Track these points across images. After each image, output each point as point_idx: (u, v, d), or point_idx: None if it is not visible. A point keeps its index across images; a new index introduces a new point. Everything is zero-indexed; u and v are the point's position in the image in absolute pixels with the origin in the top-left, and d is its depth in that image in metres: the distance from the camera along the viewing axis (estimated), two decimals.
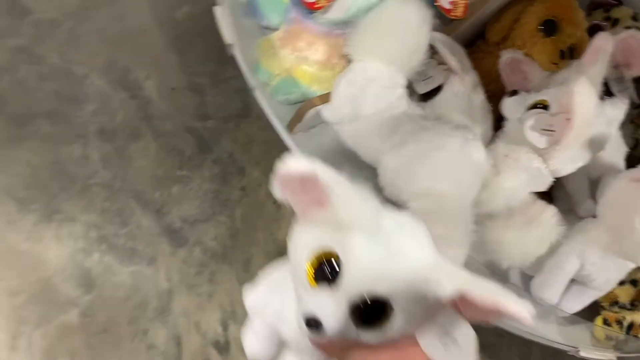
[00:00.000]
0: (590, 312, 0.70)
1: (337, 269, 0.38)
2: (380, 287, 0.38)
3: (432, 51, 0.67)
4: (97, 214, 0.73)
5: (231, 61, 0.82)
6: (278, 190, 0.38)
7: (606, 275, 0.65)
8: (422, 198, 0.60)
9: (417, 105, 0.68)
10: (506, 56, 0.71)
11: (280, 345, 0.55)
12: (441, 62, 0.69)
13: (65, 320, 0.64)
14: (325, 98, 0.67)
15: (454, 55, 0.67)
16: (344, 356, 0.42)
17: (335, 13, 0.62)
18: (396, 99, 0.64)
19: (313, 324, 0.38)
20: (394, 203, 0.61)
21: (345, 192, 0.38)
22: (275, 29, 0.74)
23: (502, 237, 0.66)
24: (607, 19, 0.82)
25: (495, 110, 0.70)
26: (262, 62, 0.73)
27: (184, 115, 0.85)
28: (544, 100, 0.63)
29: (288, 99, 0.72)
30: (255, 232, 0.76)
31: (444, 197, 0.60)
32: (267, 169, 0.82)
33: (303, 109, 0.69)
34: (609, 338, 0.71)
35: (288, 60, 0.69)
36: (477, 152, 0.61)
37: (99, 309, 0.66)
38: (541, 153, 0.62)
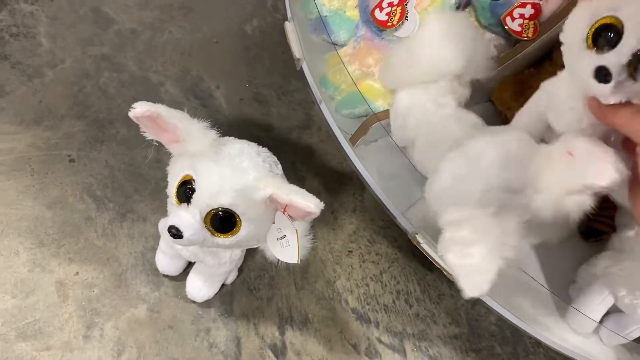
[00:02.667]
0: None
1: (194, 189, 0.51)
2: (224, 199, 0.50)
3: None
4: (167, 214, 0.77)
5: (295, 74, 0.86)
6: (148, 133, 0.52)
7: None
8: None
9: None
10: None
11: (185, 261, 0.70)
12: None
13: (135, 314, 0.68)
14: (388, 113, 0.69)
15: None
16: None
17: (405, 31, 0.64)
18: (441, 119, 0.63)
19: (174, 231, 0.50)
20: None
21: (188, 128, 0.50)
22: (342, 45, 0.77)
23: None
24: None
25: None
26: (329, 77, 0.75)
27: (249, 125, 0.89)
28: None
29: (352, 112, 0.74)
30: (313, 241, 0.78)
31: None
32: (326, 179, 0.86)
33: (367, 123, 0.71)
34: None
35: (355, 76, 0.71)
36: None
37: (166, 306, 0.69)
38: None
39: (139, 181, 0.78)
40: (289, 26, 0.81)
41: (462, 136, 0.58)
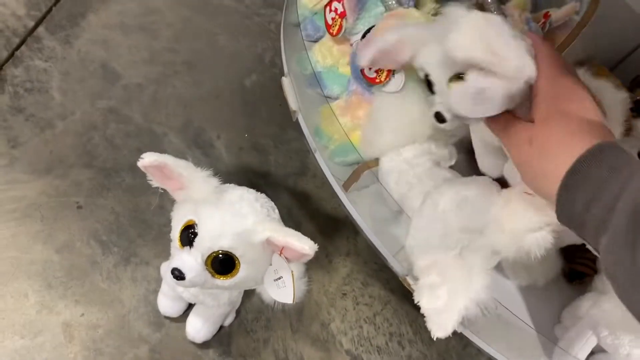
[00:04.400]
0: None
1: (196, 233, 0.55)
2: (224, 242, 0.54)
3: None
4: (169, 259, 0.80)
5: (292, 125, 0.91)
6: (154, 181, 0.56)
7: (626, 351, 0.65)
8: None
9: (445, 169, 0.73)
10: None
11: (185, 302, 0.73)
12: None
13: (137, 354, 0.70)
14: (377, 161, 0.74)
15: None
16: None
17: (392, 87, 0.69)
18: (414, 177, 0.69)
19: (177, 273, 0.54)
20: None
21: (192, 176, 0.55)
22: (335, 98, 0.82)
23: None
24: None
25: None
26: (323, 128, 0.80)
27: (248, 172, 0.93)
28: None
29: (344, 160, 0.79)
30: (308, 283, 0.81)
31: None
32: (321, 224, 0.89)
33: (359, 170, 0.75)
34: None
35: (346, 127, 0.76)
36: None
37: (167, 347, 0.72)
38: None
39: (142, 227, 0.82)
40: (285, 81, 0.87)
41: (432, 190, 0.64)
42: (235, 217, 0.56)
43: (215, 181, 0.56)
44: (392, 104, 0.71)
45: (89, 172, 0.85)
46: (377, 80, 0.70)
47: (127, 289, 0.76)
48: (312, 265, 0.83)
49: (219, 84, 1.02)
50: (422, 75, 0.60)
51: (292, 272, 0.56)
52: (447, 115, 0.57)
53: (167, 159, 0.54)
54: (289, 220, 0.88)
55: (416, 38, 0.59)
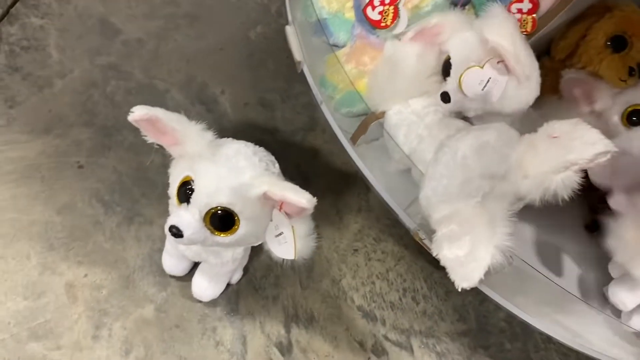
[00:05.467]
0: None
1: (193, 189, 0.52)
2: (221, 197, 0.52)
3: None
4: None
5: (299, 78, 0.87)
6: (149, 137, 0.53)
7: None
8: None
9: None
10: (567, 76, 0.70)
11: (190, 261, 0.71)
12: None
13: (142, 314, 0.69)
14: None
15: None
16: None
17: (399, 29, 0.65)
18: (425, 129, 0.68)
19: (175, 231, 0.52)
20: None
21: (185, 130, 0.52)
22: (342, 46, 0.78)
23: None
24: None
25: None
26: (328, 77, 0.76)
27: (254, 129, 0.90)
28: None
29: (351, 111, 0.75)
30: (318, 240, 0.79)
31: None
32: (331, 180, 0.86)
33: (366, 122, 0.72)
34: None
35: (351, 75, 0.72)
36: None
37: (173, 306, 0.70)
38: None
39: (146, 185, 0.80)
40: (289, 30, 0.82)
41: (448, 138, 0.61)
42: (232, 171, 0.53)
43: (210, 135, 0.54)
44: (409, 53, 0.67)
45: (90, 131, 0.83)
46: (383, 25, 0.65)
47: (131, 249, 0.74)
48: (322, 222, 0.81)
49: (222, 37, 0.98)
50: (444, 57, 0.65)
51: (292, 227, 0.54)
52: (453, 97, 0.64)
53: (158, 113, 0.51)
54: (298, 176, 0.85)
55: (454, 23, 0.64)
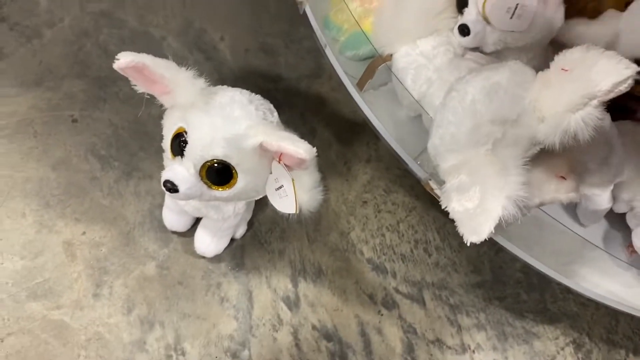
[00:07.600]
0: None
1: (186, 141, 0.49)
2: (216, 150, 0.49)
3: None
4: None
5: (303, 21, 0.81)
6: (138, 86, 0.50)
7: None
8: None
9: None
10: None
11: (191, 217, 0.68)
12: None
13: (144, 271, 0.67)
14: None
15: None
16: None
17: None
18: (434, 71, 0.64)
19: (169, 186, 0.50)
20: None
21: (175, 77, 0.48)
22: None
23: None
24: None
25: None
26: (332, 17, 0.71)
27: (256, 77, 0.85)
28: None
29: (357, 54, 0.70)
30: (325, 192, 0.76)
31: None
32: (338, 130, 0.82)
33: (373, 65, 0.67)
34: None
35: (356, 13, 0.66)
36: None
37: (175, 262, 0.68)
38: None
39: (144, 139, 0.76)
40: None
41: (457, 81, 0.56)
42: (226, 121, 0.50)
43: (201, 82, 0.50)
44: None
45: (83, 82, 0.79)
46: None
47: (130, 205, 0.71)
48: (330, 174, 0.77)
49: None
50: None
51: (292, 180, 0.50)
52: (473, 28, 0.61)
53: (145, 59, 0.47)
54: (303, 126, 0.81)
55: None
